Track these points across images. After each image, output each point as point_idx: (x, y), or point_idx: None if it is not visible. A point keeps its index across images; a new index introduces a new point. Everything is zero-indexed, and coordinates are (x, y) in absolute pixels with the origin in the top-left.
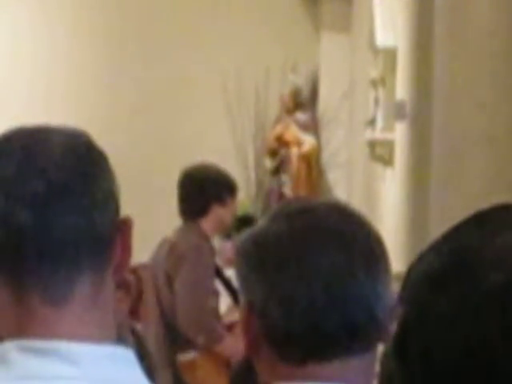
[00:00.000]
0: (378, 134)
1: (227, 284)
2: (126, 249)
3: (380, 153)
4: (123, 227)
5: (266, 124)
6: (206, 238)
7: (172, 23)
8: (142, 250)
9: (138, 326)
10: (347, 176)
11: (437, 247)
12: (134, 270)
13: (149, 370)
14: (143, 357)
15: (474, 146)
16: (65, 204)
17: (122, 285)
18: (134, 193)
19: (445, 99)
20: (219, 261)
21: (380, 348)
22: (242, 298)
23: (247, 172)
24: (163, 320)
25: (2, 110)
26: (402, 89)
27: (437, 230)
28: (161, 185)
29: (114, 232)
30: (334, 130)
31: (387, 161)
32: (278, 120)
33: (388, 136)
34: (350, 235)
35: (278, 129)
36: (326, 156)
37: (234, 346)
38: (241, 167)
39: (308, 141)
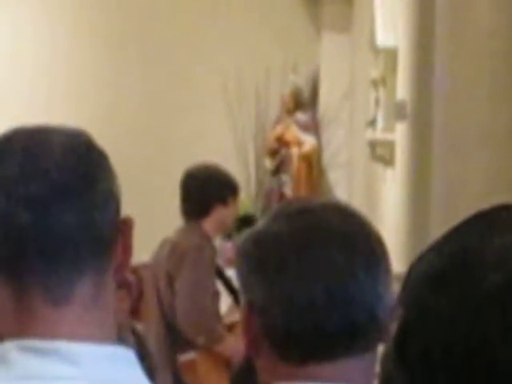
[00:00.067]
0: (378, 134)
1: (228, 284)
2: (127, 249)
3: (381, 153)
4: (124, 227)
5: (267, 124)
6: (208, 239)
7: (172, 23)
8: (143, 249)
9: (139, 326)
10: (348, 176)
11: (437, 247)
12: (135, 270)
13: (149, 370)
14: (144, 357)
15: (474, 146)
16: (65, 204)
17: (122, 285)
18: (134, 193)
19: (445, 99)
20: (220, 261)
21: (380, 348)
22: (242, 298)
23: (247, 172)
24: (164, 320)
25: (3, 110)
26: (402, 89)
27: (437, 230)
28: (161, 184)
29: (115, 232)
30: (334, 130)
31: (388, 161)
32: (278, 120)
33: (388, 136)
34: (351, 235)
35: (279, 129)
36: (326, 156)
37: (235, 346)
38: (241, 167)
39: (308, 141)
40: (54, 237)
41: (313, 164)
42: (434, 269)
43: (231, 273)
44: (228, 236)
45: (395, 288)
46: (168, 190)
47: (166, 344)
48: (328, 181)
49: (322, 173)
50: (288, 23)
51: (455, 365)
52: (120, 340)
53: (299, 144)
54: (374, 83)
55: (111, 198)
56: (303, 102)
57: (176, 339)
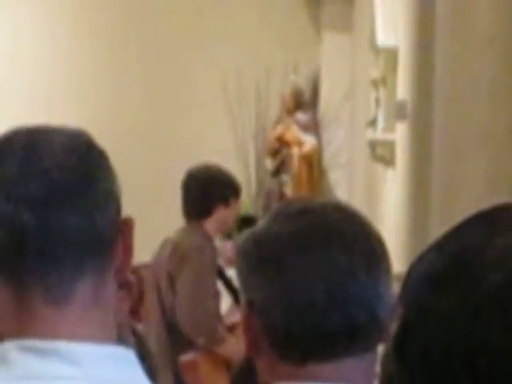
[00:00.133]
0: (379, 134)
1: (228, 284)
2: (128, 249)
3: (381, 153)
4: (124, 227)
5: (267, 124)
6: (209, 239)
7: (173, 23)
8: (143, 250)
9: (139, 327)
10: (348, 176)
11: (437, 247)
12: (135, 270)
13: (150, 370)
14: (144, 357)
15: (474, 146)
16: (66, 204)
17: (123, 285)
18: (135, 193)
19: (446, 99)
20: (220, 260)
21: (381, 348)
22: (242, 298)
23: (248, 172)
24: (164, 320)
25: (3, 110)
26: (403, 89)
27: (437, 230)
28: (162, 184)
29: (116, 232)
30: (334, 130)
31: (388, 161)
32: (278, 120)
33: (389, 136)
34: (351, 235)
35: (279, 129)
36: (326, 156)
37: (235, 347)
38: (241, 167)
39: (309, 141)
40: (55, 237)
41: (313, 164)
42: (434, 269)
43: (231, 273)
44: (228, 236)
45: (395, 288)
46: (168, 189)
47: (166, 344)
48: (328, 181)
49: (322, 173)
50: (288, 23)
51: (455, 365)
52: (120, 340)
53: (300, 144)
54: (375, 83)
55: (111, 198)
56: (303, 102)
57: (177, 340)
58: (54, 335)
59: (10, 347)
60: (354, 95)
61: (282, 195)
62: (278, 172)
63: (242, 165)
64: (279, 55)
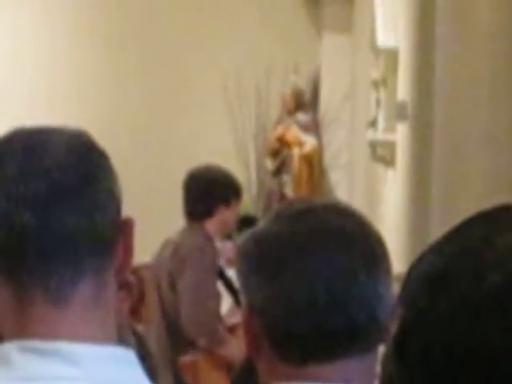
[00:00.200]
0: (379, 134)
1: (228, 284)
2: (128, 249)
3: (381, 153)
4: (125, 228)
5: (267, 125)
6: (210, 240)
7: (173, 23)
8: (144, 250)
9: (139, 327)
10: (348, 177)
11: (437, 248)
12: (135, 271)
13: (150, 370)
14: (144, 357)
15: (475, 146)
16: (66, 204)
17: (123, 285)
18: (135, 193)
19: (446, 100)
20: (220, 261)
21: (381, 349)
22: (242, 299)
23: (248, 172)
24: (165, 321)
25: (4, 110)
26: (403, 89)
27: (438, 230)
28: (162, 185)
29: (116, 232)
30: (335, 130)
31: (389, 161)
32: (279, 121)
33: (389, 137)
34: (351, 236)
35: (280, 129)
36: (327, 157)
37: (236, 347)
38: (242, 168)
39: (309, 141)
40: (55, 237)
41: (314, 164)
42: (433, 269)
43: (232, 273)
44: (228, 236)
45: (396, 288)
46: (169, 190)
47: (167, 345)
48: (329, 181)
49: (322, 173)
50: (289, 24)
51: (455, 365)
52: (121, 341)
53: (300, 144)
54: (375, 84)
55: (112, 199)
56: (304, 102)
57: (177, 340)
58: (54, 336)
59: (11, 348)
60: (355, 96)
61: (282, 195)
62: (278, 172)
63: (242, 165)
64: (279, 55)
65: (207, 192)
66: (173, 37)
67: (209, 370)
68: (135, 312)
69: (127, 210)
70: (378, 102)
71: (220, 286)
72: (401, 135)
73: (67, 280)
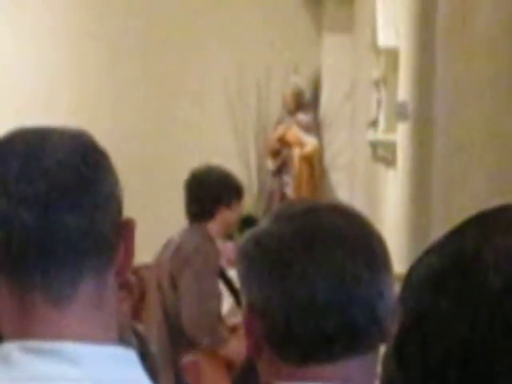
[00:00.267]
0: (380, 134)
1: (229, 285)
2: (129, 250)
3: (382, 154)
4: (126, 228)
5: (268, 125)
6: (212, 240)
7: (173, 23)
8: (145, 250)
9: (140, 327)
10: (349, 177)
11: (438, 248)
12: (136, 271)
13: (151, 371)
14: (145, 358)
15: (476, 146)
16: (67, 205)
17: (123, 285)
18: (136, 193)
19: (447, 100)
20: (221, 261)
21: (382, 349)
22: (243, 299)
23: (249, 173)
24: (166, 321)
25: (4, 111)
26: (404, 89)
27: (439, 231)
28: (163, 185)
29: (117, 233)
30: (336, 130)
31: (389, 162)
32: (279, 121)
33: (390, 137)
34: (352, 236)
35: (280, 130)
36: (328, 157)
37: (238, 347)
38: (243, 168)
39: (310, 142)
40: (56, 237)
41: (314, 165)
42: (433, 270)
43: (233, 273)
44: (229, 237)
45: (396, 288)
46: (170, 190)
47: (168, 345)
48: (329, 181)
49: (323, 173)
50: (289, 24)
51: (455, 366)
52: (122, 341)
53: (301, 145)
54: (376, 84)
55: (113, 199)
56: (305, 102)
57: (178, 340)
58: (55, 336)
59: (12, 348)
60: (355, 96)
61: (283, 196)
62: (278, 172)
63: (243, 165)
64: (280, 55)
65: (209, 193)
66: (174, 37)
67: (210, 371)
68: (136, 312)
69: (128, 210)
70: (378, 102)
71: (221, 286)
72: (401, 135)
73: (68, 280)
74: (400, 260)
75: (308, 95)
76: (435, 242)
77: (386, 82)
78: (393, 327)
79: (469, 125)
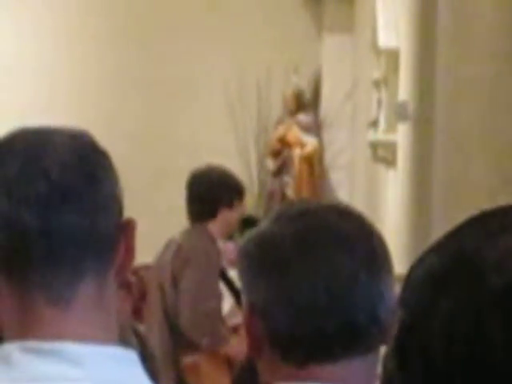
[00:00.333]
0: (380, 135)
1: (230, 285)
2: (129, 250)
3: (382, 154)
4: (126, 228)
5: (268, 125)
6: (213, 241)
7: (174, 24)
8: (146, 251)
9: (141, 327)
10: (349, 177)
11: (438, 248)
12: (136, 271)
13: (152, 371)
14: (146, 358)
15: (476, 146)
16: (67, 205)
17: (123, 285)
18: (137, 193)
19: (447, 100)
20: (222, 262)
21: (382, 349)
22: (244, 299)
23: (249, 173)
24: (167, 321)
25: (5, 112)
26: (404, 90)
27: (439, 231)
28: (163, 186)
29: (117, 233)
30: (336, 131)
31: (389, 162)
32: (280, 121)
33: (390, 137)
34: (352, 236)
35: (281, 130)
36: (328, 157)
37: (239, 347)
38: (243, 168)
39: (310, 142)
40: (56, 238)
41: (314, 165)
42: (434, 270)
43: (233, 274)
44: (230, 237)
45: (397, 289)
46: (170, 190)
47: (168, 345)
48: (330, 182)
49: (323, 174)
50: (290, 24)
51: (455, 367)
52: (123, 341)
53: (301, 145)
54: (376, 84)
55: (114, 199)
56: (305, 102)
57: (179, 341)
58: (56, 336)
59: (12, 348)
60: (356, 96)
61: (283, 196)
62: (279, 173)
63: (243, 166)
64: (280, 56)
65: (210, 193)
66: (174, 38)
67: (211, 371)
68: (137, 312)
69: (129, 210)
70: (379, 103)
71: (222, 287)
72: (402, 135)
73: (68, 281)
74: (400, 260)
75: (308, 95)
76: (435, 242)
77: (387, 82)
78: (393, 327)
79: (469, 125)
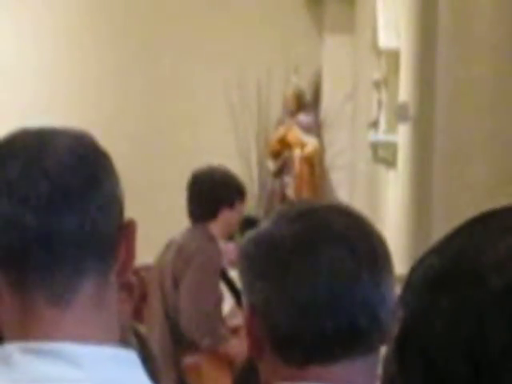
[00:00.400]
0: (380, 135)
1: (231, 285)
2: (130, 251)
3: (383, 155)
4: (127, 229)
5: (269, 125)
6: (214, 241)
7: (174, 25)
8: (147, 251)
9: (142, 328)
10: (350, 178)
11: (438, 249)
12: (136, 272)
13: (153, 372)
14: (146, 359)
15: (477, 147)
16: (68, 206)
17: (123, 286)
18: (137, 194)
19: (448, 101)
20: (223, 262)
21: (383, 350)
22: (244, 300)
23: (250, 173)
24: (168, 322)
25: (5, 112)
26: (404, 90)
27: (439, 232)
28: (164, 186)
29: (118, 234)
30: (336, 131)
31: (390, 163)
32: (280, 122)
33: (391, 138)
34: (353, 237)
35: (281, 130)
36: (328, 158)
37: (239, 347)
38: (243, 168)
39: (311, 142)
40: (57, 238)
41: (315, 165)
42: (434, 271)
43: (234, 274)
44: (230, 237)
45: (397, 290)
46: (171, 191)
47: (169, 346)
48: (330, 182)
49: (324, 174)
50: (290, 24)
51: (455, 367)
52: (123, 342)
53: (301, 145)
54: (377, 85)
55: (114, 200)
56: (305, 103)
57: (180, 341)
58: (56, 337)
59: (13, 349)
60: (356, 97)
61: (283, 196)
62: (279, 173)
63: (243, 166)
64: (281, 56)
65: (211, 193)
66: (174, 37)
67: (212, 372)
68: (137, 313)
69: (129, 211)
70: (379, 103)
71: (222, 287)
72: (402, 136)
73: (69, 281)
74: (401, 261)
75: (308, 96)
76: (436, 242)
77: (387, 83)
78: (394, 328)
79: (469, 126)
